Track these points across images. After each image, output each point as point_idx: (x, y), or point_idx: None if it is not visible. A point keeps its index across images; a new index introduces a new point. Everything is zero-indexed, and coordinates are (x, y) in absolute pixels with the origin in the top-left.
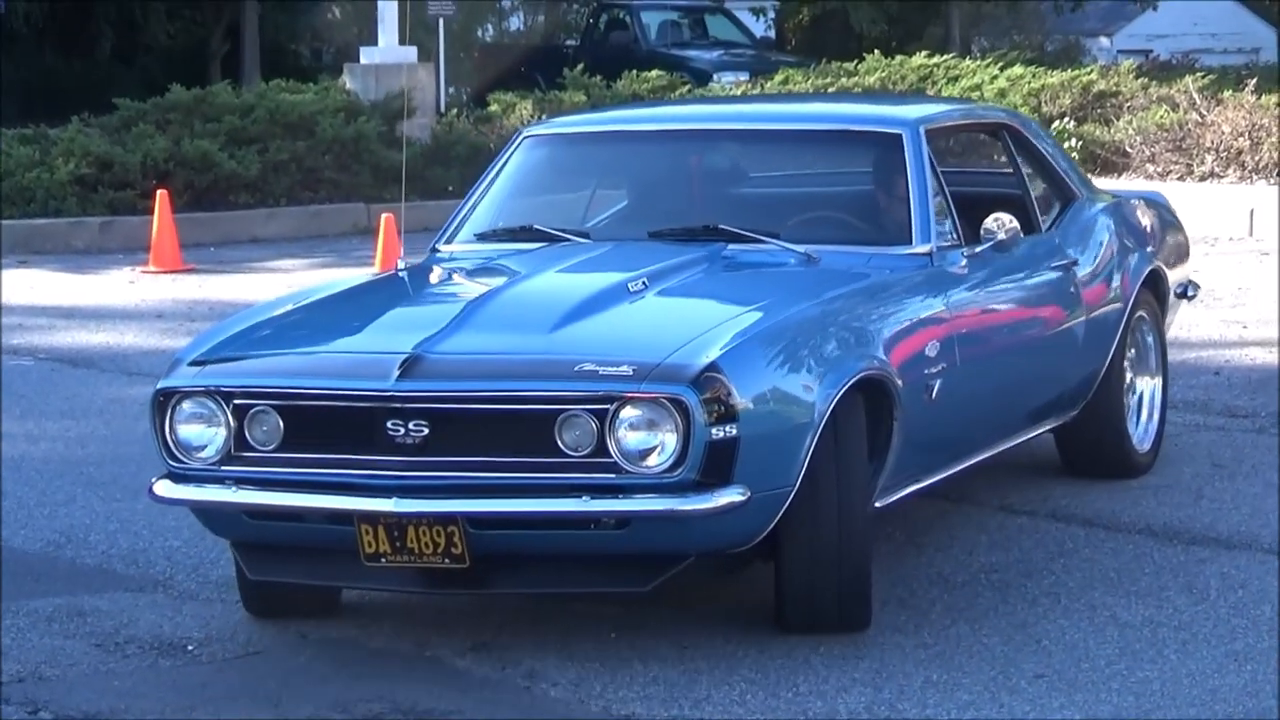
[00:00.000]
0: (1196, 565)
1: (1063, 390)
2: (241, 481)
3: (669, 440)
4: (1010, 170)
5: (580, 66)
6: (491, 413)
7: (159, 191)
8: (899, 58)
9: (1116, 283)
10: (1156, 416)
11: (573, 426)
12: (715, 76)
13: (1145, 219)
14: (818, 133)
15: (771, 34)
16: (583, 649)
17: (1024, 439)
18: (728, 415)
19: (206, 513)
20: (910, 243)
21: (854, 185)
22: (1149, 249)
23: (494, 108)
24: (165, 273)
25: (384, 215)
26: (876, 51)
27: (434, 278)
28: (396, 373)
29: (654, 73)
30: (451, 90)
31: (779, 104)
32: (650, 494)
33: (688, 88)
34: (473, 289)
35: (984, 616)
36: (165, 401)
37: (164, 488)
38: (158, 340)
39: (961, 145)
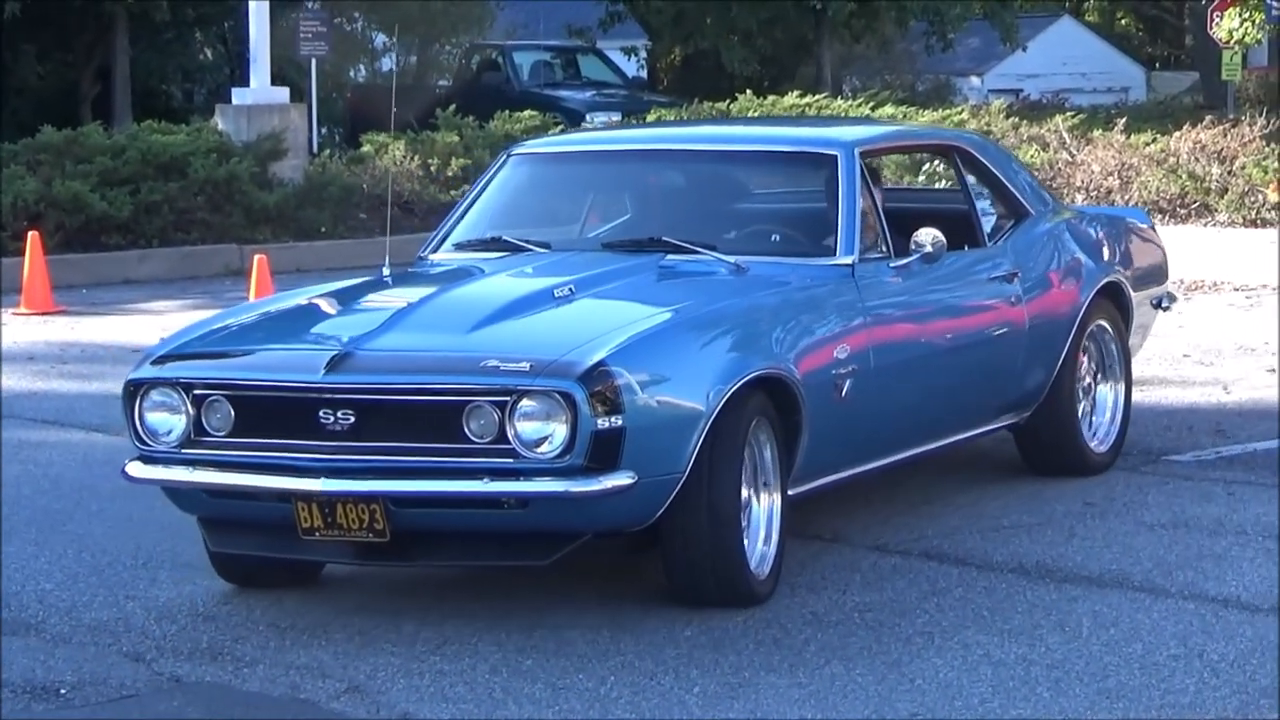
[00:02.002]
0: (1068, 603)
1: (1003, 393)
2: (199, 463)
3: (559, 430)
4: (958, 189)
5: (453, 107)
6: (408, 403)
7: (30, 233)
8: (771, 97)
9: (1065, 293)
10: (1119, 420)
11: (478, 416)
12: (588, 116)
13: (1106, 235)
14: (765, 153)
15: (644, 74)
16: (456, 691)
17: (965, 437)
18: (614, 408)
19: (173, 491)
20: (834, 254)
21: (792, 201)
22: (1107, 261)
23: (367, 149)
24: (37, 315)
25: (257, 256)
26: (749, 91)
27: (398, 282)
28: (324, 367)
29: (527, 113)
30: (324, 131)
31: (734, 126)
32: (543, 477)
33: (560, 128)
34: (420, 293)
35: (858, 656)
36: (135, 391)
37: (135, 469)
38: (29, 383)
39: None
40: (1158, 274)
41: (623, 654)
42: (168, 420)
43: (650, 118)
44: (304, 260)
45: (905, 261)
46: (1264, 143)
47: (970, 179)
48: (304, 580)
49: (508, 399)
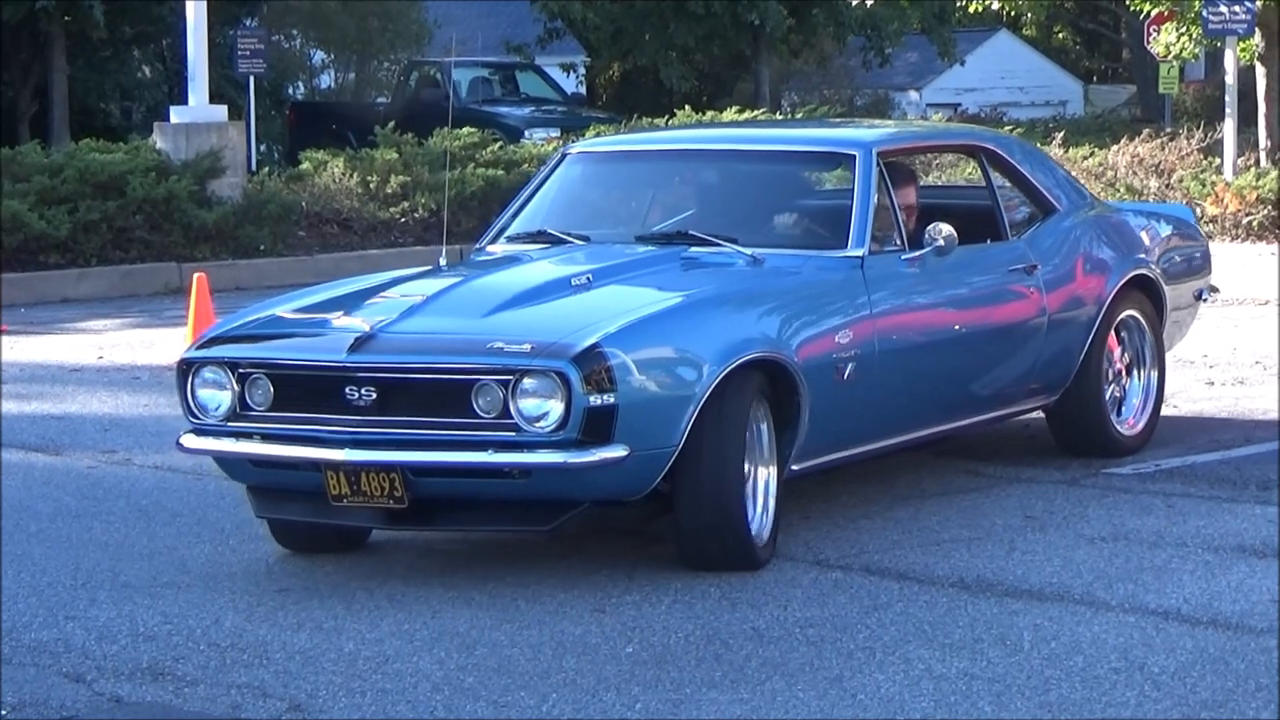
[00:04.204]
0: (1010, 617)
1: (1024, 378)
2: (243, 435)
3: (556, 406)
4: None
5: (392, 124)
6: (423, 381)
7: None
8: (709, 113)
9: (1090, 284)
10: (1150, 405)
11: (485, 393)
12: (527, 133)
13: (1140, 229)
14: (790, 153)
15: (583, 90)
16: (398, 710)
17: (988, 418)
18: (607, 386)
19: (223, 461)
20: (846, 247)
21: (814, 197)
22: (1139, 255)
23: (305, 166)
24: None
25: (196, 274)
26: (687, 107)
27: (448, 271)
28: (348, 348)
29: (465, 130)
30: (263, 148)
31: (766, 129)
32: (543, 449)
33: (499, 145)
34: (455, 280)
35: (799, 671)
36: (187, 370)
37: (188, 440)
38: None
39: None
40: (1197, 267)
41: (564, 671)
42: (215, 396)
43: (589, 134)
44: (243, 278)
45: (917, 254)
46: (1201, 156)
47: (996, 176)
48: (347, 547)
49: (510, 378)
